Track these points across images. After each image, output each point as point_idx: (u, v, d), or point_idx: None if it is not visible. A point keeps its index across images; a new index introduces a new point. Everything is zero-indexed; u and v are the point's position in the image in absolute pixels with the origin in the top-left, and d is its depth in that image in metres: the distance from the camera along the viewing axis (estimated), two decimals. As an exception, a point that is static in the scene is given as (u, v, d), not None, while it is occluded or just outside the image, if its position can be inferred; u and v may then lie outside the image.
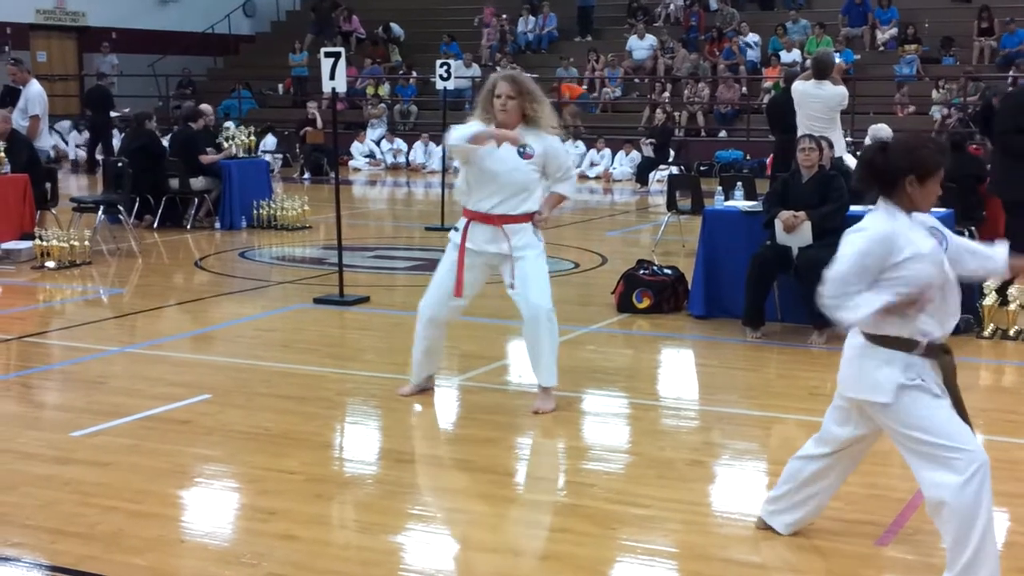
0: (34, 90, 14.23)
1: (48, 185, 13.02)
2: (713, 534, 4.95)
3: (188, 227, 14.57)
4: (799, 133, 10.34)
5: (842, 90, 11.84)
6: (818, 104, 11.61)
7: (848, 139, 13.15)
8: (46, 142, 14.75)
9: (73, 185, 20.10)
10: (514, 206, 6.54)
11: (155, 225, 14.43)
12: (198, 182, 14.64)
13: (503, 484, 5.65)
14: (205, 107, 16.26)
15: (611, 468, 5.83)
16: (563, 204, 6.85)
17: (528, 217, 6.58)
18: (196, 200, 14.79)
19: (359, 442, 6.48)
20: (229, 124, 18.94)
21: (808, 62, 22.73)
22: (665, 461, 5.87)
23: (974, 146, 16.32)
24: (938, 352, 4.20)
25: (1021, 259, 4.46)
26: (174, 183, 14.57)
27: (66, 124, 25.50)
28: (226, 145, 15.21)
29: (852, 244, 4.18)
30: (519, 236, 6.57)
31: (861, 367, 4.28)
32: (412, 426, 6.66)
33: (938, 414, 4.14)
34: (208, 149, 14.78)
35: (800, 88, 11.93)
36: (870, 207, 4.35)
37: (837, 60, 13.33)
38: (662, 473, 5.68)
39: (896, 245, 4.11)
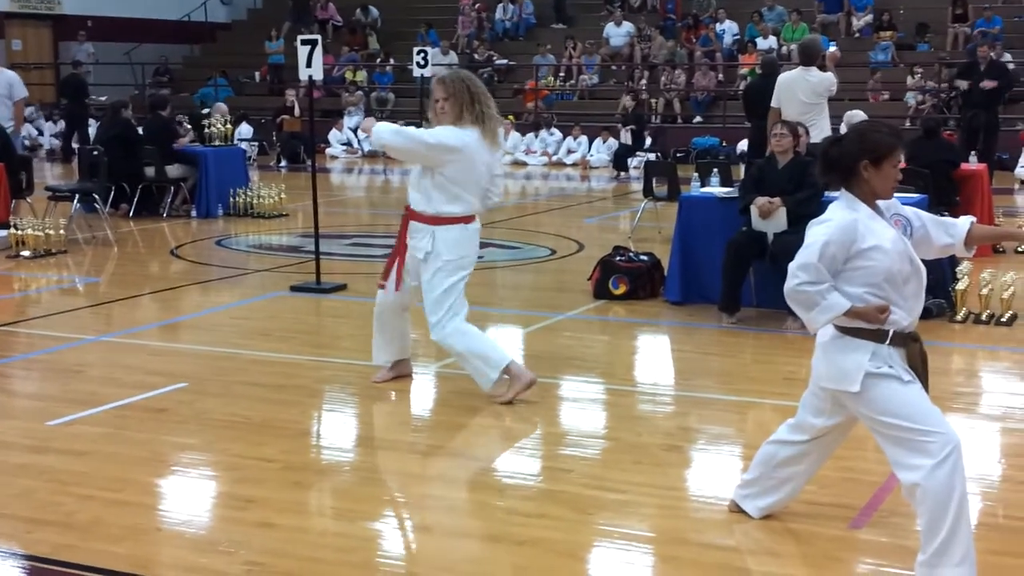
0: (13, 74, 14.12)
1: (23, 174, 12.94)
2: (689, 518, 4.98)
3: (164, 215, 14.51)
4: (783, 118, 10.32)
5: (830, 76, 11.84)
6: (806, 88, 11.59)
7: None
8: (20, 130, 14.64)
9: (48, 174, 19.98)
10: (414, 201, 6.49)
11: (131, 213, 14.37)
12: (174, 170, 14.59)
13: (480, 470, 5.67)
14: (220, 106, 16.30)
15: (587, 453, 5.86)
16: (369, 125, 6.54)
17: (430, 219, 6.42)
18: (172, 188, 14.73)
19: (336, 430, 6.48)
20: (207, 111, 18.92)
21: (785, 49, 22.93)
22: (641, 446, 5.89)
23: (947, 132, 16.41)
24: (906, 340, 4.23)
25: (983, 227, 4.51)
26: (150, 171, 14.51)
27: (31, 111, 25.32)
28: (187, 127, 15.17)
29: (815, 235, 4.21)
30: (418, 237, 6.49)
31: (830, 357, 4.33)
32: (389, 413, 6.67)
33: (908, 399, 4.17)
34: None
35: (787, 76, 11.88)
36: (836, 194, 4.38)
37: (831, 48, 13.28)
38: (638, 458, 5.71)
39: (858, 233, 4.16)
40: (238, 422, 6.26)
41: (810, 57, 11.81)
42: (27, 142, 16.38)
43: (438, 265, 6.43)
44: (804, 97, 11.56)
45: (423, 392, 7.06)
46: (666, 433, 6.17)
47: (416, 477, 5.55)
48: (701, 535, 4.77)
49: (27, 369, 7.62)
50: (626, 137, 21.71)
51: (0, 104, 13.62)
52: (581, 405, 6.84)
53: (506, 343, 7.34)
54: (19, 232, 11.54)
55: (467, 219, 6.48)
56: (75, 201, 13.16)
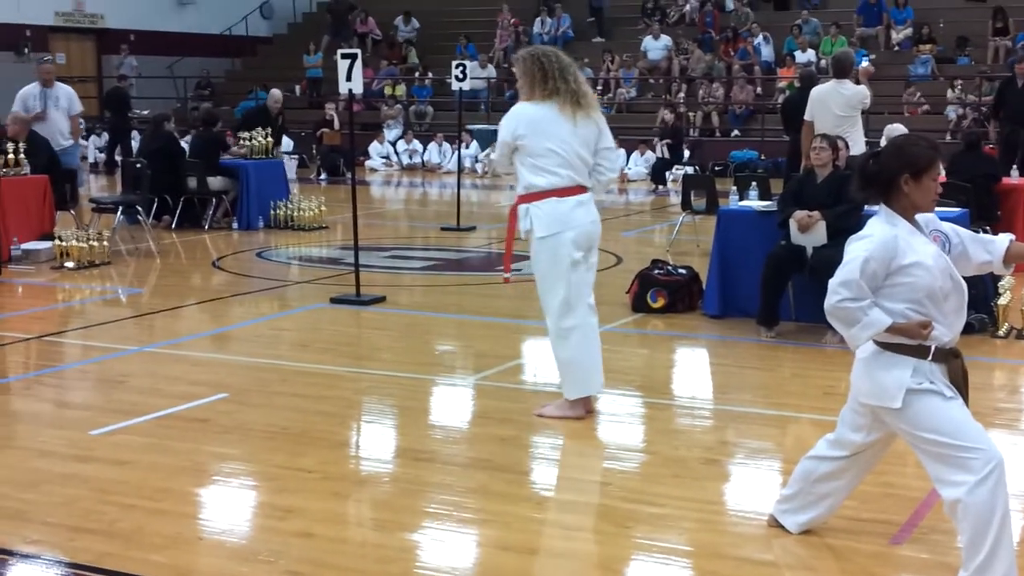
0: (71, 89, 14.28)
1: (68, 186, 13.10)
2: (727, 533, 4.97)
3: (206, 227, 14.64)
4: (817, 133, 10.30)
5: (863, 89, 11.80)
6: (840, 101, 11.55)
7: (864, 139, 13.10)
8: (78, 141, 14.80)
9: (92, 186, 20.20)
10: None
11: (173, 225, 14.51)
12: (216, 182, 14.71)
13: (518, 483, 5.68)
14: (275, 92, 16.40)
15: (626, 467, 5.86)
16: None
17: (524, 197, 6.40)
18: (214, 200, 14.85)
19: (375, 441, 6.51)
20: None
21: (823, 62, 22.83)
22: (680, 460, 5.89)
23: (989, 146, 16.27)
24: (947, 356, 4.21)
25: (1022, 244, 4.47)
26: (192, 184, 14.64)
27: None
28: (244, 140, 15.33)
29: (855, 251, 4.19)
30: (519, 217, 6.46)
31: (871, 373, 4.31)
32: (428, 425, 6.69)
33: (950, 415, 4.15)
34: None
35: (820, 89, 11.86)
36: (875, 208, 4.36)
37: (864, 63, 13.25)
38: (677, 472, 5.70)
39: (899, 249, 4.14)
40: (278, 433, 6.30)
41: (843, 70, 11.77)
42: (82, 152, 16.53)
43: (535, 246, 6.41)
44: (837, 110, 11.53)
45: (461, 404, 7.09)
46: (704, 447, 6.16)
47: (454, 489, 5.56)
48: (739, 550, 4.75)
49: (70, 379, 7.71)
50: (664, 151, 21.71)
51: (61, 116, 13.72)
52: (619, 418, 6.84)
53: (544, 357, 7.33)
54: (63, 244, 11.68)
55: (560, 192, 6.34)
56: (118, 213, 13.30)
